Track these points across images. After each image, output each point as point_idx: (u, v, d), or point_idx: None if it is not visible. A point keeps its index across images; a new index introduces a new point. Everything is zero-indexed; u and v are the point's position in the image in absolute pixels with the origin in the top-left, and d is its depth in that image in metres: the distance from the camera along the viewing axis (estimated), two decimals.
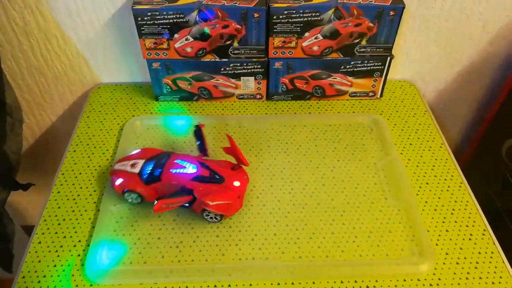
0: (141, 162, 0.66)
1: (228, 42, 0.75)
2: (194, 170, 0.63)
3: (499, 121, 0.91)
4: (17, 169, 0.82)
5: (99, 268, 0.59)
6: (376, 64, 0.79)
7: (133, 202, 0.66)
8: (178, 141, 0.77)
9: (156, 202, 0.58)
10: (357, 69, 0.80)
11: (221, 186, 0.63)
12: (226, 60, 0.78)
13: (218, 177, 0.63)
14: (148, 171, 0.64)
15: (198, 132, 0.71)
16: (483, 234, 0.64)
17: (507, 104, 0.88)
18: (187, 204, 0.63)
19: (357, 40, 0.76)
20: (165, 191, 0.64)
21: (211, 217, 0.63)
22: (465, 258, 0.61)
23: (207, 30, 0.70)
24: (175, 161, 0.64)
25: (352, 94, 0.85)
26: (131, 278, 0.58)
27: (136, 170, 0.65)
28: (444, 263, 0.61)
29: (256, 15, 0.71)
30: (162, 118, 0.81)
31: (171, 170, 0.63)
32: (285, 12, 0.71)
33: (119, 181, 0.65)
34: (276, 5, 0.71)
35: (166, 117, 0.82)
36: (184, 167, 0.63)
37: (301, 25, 0.73)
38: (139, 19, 0.72)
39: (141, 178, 0.64)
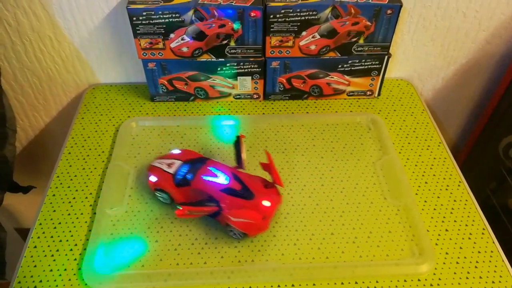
0: (178, 163, 0.65)
1: (225, 42, 0.74)
2: (226, 182, 0.60)
3: (496, 119, 0.91)
4: (11, 177, 0.82)
5: (96, 272, 0.58)
6: (373, 63, 0.79)
7: (162, 201, 0.66)
8: (175, 142, 0.76)
9: (179, 207, 0.56)
10: (355, 68, 0.80)
11: (249, 202, 0.59)
12: (223, 59, 0.77)
13: (248, 193, 0.60)
14: (182, 174, 0.63)
15: (238, 143, 0.66)
16: (483, 233, 0.64)
17: (504, 102, 0.88)
18: (212, 215, 0.61)
19: (354, 39, 0.75)
20: (193, 197, 0.62)
21: (234, 233, 0.61)
22: (465, 257, 0.61)
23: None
24: (208, 168, 0.62)
25: (350, 93, 0.84)
26: (129, 283, 0.57)
27: (172, 170, 0.64)
28: (444, 263, 0.60)
29: (252, 14, 0.70)
30: (158, 119, 0.80)
31: (202, 177, 0.61)
32: (282, 11, 0.70)
33: (153, 178, 0.65)
34: (273, 4, 0.70)
35: (162, 118, 0.81)
36: (216, 176, 0.61)
37: (298, 24, 0.72)
38: (134, 19, 0.71)
39: (174, 179, 0.63)
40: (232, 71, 0.79)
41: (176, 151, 0.69)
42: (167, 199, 0.65)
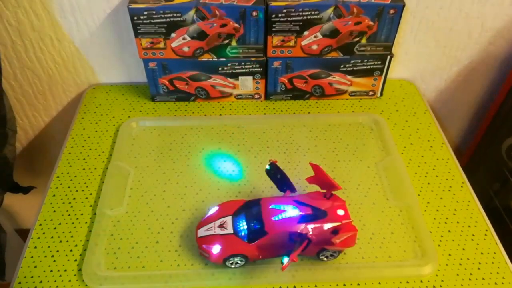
0: (228, 219, 0.58)
1: (226, 41, 0.74)
2: (297, 211, 0.56)
3: (499, 120, 0.91)
4: (12, 178, 0.82)
5: (96, 273, 0.57)
6: (376, 63, 0.79)
7: (236, 267, 0.58)
8: (175, 143, 0.76)
9: (286, 259, 0.50)
10: (357, 68, 0.79)
11: (328, 220, 0.55)
12: (224, 59, 0.77)
13: (320, 211, 0.56)
14: (245, 227, 0.56)
15: (275, 169, 0.60)
16: (485, 235, 0.64)
17: (507, 103, 0.88)
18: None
19: (357, 39, 0.75)
20: (271, 243, 0.56)
21: (327, 256, 0.58)
22: (468, 259, 0.61)
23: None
24: (270, 208, 0.56)
25: (352, 93, 0.84)
26: (129, 284, 0.57)
27: (229, 229, 0.57)
28: (447, 264, 0.60)
29: (254, 13, 0.70)
30: (158, 119, 0.80)
31: (272, 219, 0.55)
32: (284, 10, 0.70)
33: (217, 249, 0.56)
34: (275, 3, 0.69)
35: (162, 118, 0.80)
36: (284, 211, 0.56)
37: (300, 23, 0.72)
38: (135, 18, 0.70)
39: (239, 237, 0.56)
40: (233, 71, 0.78)
41: (214, 209, 0.61)
42: (243, 261, 0.57)
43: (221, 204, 0.61)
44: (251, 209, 0.58)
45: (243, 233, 0.56)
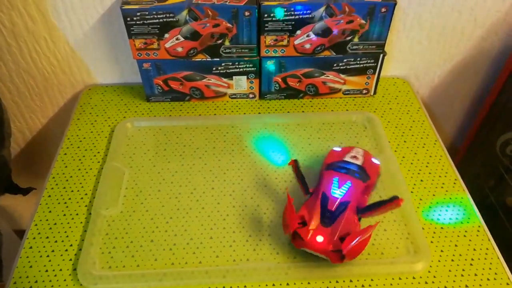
0: (356, 162, 0.66)
1: (219, 41, 0.74)
2: (335, 195, 0.61)
3: (493, 116, 0.91)
4: (11, 179, 0.82)
5: (91, 272, 0.58)
6: (369, 61, 0.79)
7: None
8: (170, 143, 0.76)
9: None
10: (350, 66, 0.80)
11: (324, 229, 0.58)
12: (218, 59, 0.77)
13: (330, 220, 0.59)
14: (342, 170, 0.64)
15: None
16: (478, 231, 0.64)
17: (501, 99, 0.88)
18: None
19: (349, 38, 0.75)
20: (319, 180, 0.64)
21: None
22: (460, 255, 0.61)
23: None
24: (336, 177, 0.63)
25: (346, 92, 0.84)
26: (124, 282, 0.57)
27: (357, 162, 0.66)
28: (439, 261, 0.60)
29: (247, 13, 0.70)
30: (153, 120, 0.80)
31: (333, 178, 0.63)
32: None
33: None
34: (267, 3, 0.70)
35: (157, 118, 0.81)
36: (338, 187, 0.62)
37: (293, 23, 0.72)
38: (128, 19, 0.71)
39: (341, 166, 0.65)
40: (227, 71, 0.79)
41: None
42: None
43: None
44: (349, 174, 0.63)
45: (343, 168, 0.64)
